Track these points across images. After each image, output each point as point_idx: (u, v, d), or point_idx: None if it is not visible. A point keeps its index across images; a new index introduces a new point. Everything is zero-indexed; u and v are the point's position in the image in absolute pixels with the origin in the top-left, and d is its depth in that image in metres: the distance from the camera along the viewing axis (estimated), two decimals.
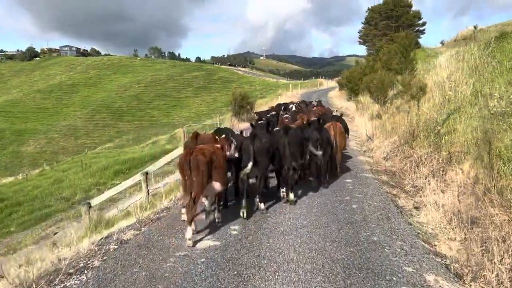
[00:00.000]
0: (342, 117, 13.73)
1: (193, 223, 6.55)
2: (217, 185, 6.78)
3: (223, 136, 8.36)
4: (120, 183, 14.02)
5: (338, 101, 42.18)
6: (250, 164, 7.30)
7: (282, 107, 24.01)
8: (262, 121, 12.63)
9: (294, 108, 23.35)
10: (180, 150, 12.00)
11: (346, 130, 12.48)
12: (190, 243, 6.18)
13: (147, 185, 11.34)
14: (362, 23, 54.57)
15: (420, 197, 8.24)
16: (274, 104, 31.15)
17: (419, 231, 6.21)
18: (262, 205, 7.87)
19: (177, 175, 13.05)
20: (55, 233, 14.27)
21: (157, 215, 8.07)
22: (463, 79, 14.75)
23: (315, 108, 20.86)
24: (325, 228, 6.58)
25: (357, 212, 7.31)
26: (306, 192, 9.13)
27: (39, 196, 20.47)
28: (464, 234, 5.76)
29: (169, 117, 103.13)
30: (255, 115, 27.00)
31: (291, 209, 7.86)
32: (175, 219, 7.67)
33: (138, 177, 11.49)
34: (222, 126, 26.49)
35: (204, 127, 36.42)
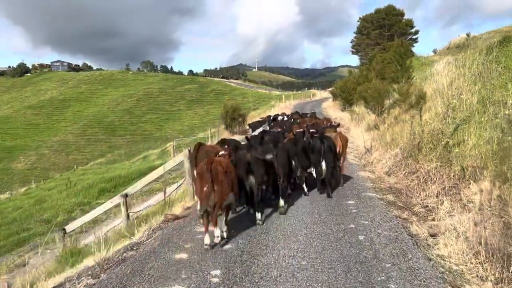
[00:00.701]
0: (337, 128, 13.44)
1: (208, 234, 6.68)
2: (231, 196, 7.06)
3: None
4: (104, 202, 12.95)
5: (332, 111, 41.32)
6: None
7: (271, 118, 23.00)
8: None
9: (285, 118, 22.42)
10: (169, 165, 11.00)
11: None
12: (208, 248, 6.58)
13: (126, 208, 10.26)
14: (354, 32, 54.13)
15: (433, 219, 7.20)
16: (267, 115, 30.30)
17: (442, 269, 5.08)
18: (259, 215, 7.90)
19: (161, 196, 11.96)
20: (27, 263, 13.09)
21: (125, 254, 6.73)
22: (466, 86, 13.80)
23: (306, 119, 20.14)
24: (329, 271, 5.33)
25: (365, 246, 6.17)
26: (303, 218, 8.05)
27: (18, 219, 19.24)
28: (498, 273, 4.70)
29: (162, 131, 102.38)
30: (247, 127, 26.00)
31: (286, 243, 6.69)
32: (145, 260, 6.36)
33: (117, 199, 10.40)
34: (214, 139, 25.41)
35: (195, 140, 35.43)
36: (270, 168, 8.21)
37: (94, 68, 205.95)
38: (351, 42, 54.60)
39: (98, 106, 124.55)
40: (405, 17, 51.57)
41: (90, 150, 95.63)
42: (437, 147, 10.55)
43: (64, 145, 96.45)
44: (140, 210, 10.97)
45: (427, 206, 8.02)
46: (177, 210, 9.23)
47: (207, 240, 6.60)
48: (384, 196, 9.01)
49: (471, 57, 18.05)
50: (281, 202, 8.48)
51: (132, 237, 7.40)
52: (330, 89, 60.66)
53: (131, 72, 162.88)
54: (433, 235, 6.27)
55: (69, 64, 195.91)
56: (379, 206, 8.31)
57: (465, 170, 8.26)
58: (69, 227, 10.77)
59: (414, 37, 50.86)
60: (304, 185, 10.11)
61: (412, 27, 49.94)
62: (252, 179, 7.74)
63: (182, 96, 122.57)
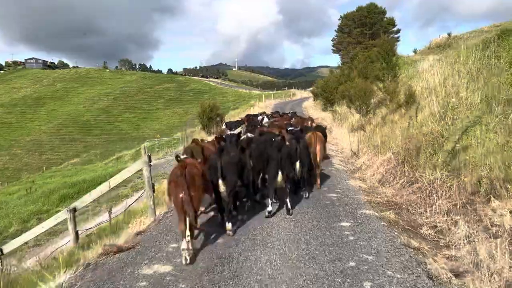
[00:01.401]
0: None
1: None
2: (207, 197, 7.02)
3: None
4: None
5: (313, 111, 40.01)
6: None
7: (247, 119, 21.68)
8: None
9: (265, 118, 21.32)
10: (120, 177, 9.29)
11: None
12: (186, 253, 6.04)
13: (75, 225, 8.56)
14: (335, 31, 52.90)
15: (448, 246, 5.75)
16: (246, 115, 28.81)
17: None
18: (229, 225, 7.13)
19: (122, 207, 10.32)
20: None
21: None
22: (465, 83, 12.47)
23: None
24: None
25: None
26: (286, 250, 6.17)
27: None
28: None
29: (139, 130, 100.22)
30: (224, 126, 24.42)
31: None
32: None
33: (63, 215, 8.68)
34: (189, 140, 23.90)
35: (170, 142, 33.70)
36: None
37: (70, 66, 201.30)
38: (332, 40, 53.49)
39: (73, 104, 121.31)
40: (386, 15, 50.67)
41: (65, 150, 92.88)
42: (438, 153, 9.14)
43: (38, 144, 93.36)
44: (91, 228, 9.25)
45: (436, 226, 6.56)
46: (124, 236, 7.28)
47: (184, 245, 6.01)
48: (383, 213, 7.43)
49: (464, 53, 16.79)
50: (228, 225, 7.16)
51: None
52: (311, 88, 59.53)
53: (108, 70, 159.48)
54: (457, 274, 4.75)
55: (44, 62, 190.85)
56: (380, 229, 6.66)
57: (480, 183, 6.82)
58: (7, 247, 9.02)
59: (396, 36, 49.83)
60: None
61: (394, 25, 48.92)
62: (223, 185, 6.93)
63: (160, 95, 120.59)
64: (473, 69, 13.89)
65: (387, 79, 20.67)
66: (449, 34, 53.68)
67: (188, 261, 5.90)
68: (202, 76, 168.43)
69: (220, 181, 6.85)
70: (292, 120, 18.06)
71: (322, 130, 12.00)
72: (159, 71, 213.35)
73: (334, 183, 10.82)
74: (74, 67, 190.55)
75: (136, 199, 10.23)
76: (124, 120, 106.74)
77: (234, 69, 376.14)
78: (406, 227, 6.63)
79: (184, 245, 5.95)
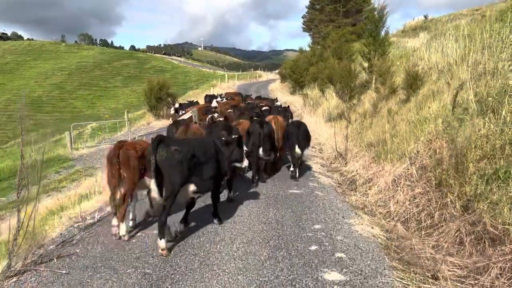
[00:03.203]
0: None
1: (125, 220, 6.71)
2: (150, 181, 6.46)
3: None
4: None
5: (280, 94, 36.14)
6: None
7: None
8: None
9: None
10: None
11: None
12: (126, 237, 6.63)
13: None
14: (306, 7, 48.66)
15: None
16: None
17: None
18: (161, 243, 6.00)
19: None
20: None
21: None
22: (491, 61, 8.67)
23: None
24: None
25: None
26: None
27: None
28: None
29: (94, 109, 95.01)
30: (173, 111, 20.14)
31: None
32: None
33: None
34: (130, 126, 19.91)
35: (103, 127, 28.98)
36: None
37: (25, 38, 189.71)
38: (302, 17, 49.26)
39: (24, 79, 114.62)
40: None
41: (12, 128, 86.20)
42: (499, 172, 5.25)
43: None
44: None
45: None
46: None
47: (122, 230, 6.63)
48: None
49: (479, 25, 13.02)
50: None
51: None
52: (277, 71, 55.91)
53: (64, 44, 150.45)
54: None
55: None
56: None
57: None
58: None
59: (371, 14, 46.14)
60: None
61: (369, 3, 45.05)
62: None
63: (118, 72, 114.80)
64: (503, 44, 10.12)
65: (374, 57, 16.81)
66: (425, 17, 51.71)
67: (117, 237, 6.61)
68: (164, 54, 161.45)
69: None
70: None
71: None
72: (121, 48, 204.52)
73: (322, 221, 7.08)
74: (28, 39, 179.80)
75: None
76: (79, 97, 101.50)
77: (199, 48, 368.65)
78: None
79: (114, 221, 6.66)
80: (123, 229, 6.57)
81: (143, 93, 24.36)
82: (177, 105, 20.45)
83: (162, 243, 5.92)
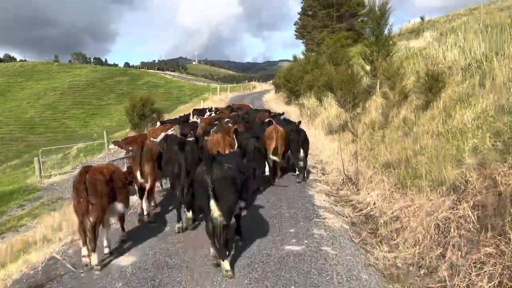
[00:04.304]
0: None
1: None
2: (120, 206, 6.78)
3: None
4: None
5: (275, 105, 34.25)
6: None
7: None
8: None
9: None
10: None
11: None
12: (99, 267, 6.34)
13: None
14: (298, 13, 46.85)
15: None
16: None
17: None
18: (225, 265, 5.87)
19: None
20: None
21: None
22: None
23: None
24: None
25: None
26: None
27: None
28: None
29: (87, 127, 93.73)
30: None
31: None
32: None
33: None
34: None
35: (89, 148, 27.00)
36: None
37: (18, 60, 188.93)
38: (294, 24, 47.45)
39: (16, 100, 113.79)
40: None
41: (4, 151, 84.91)
42: None
43: None
44: None
45: None
46: None
47: (94, 260, 6.38)
48: None
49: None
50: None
51: None
52: (272, 81, 54.32)
53: (56, 64, 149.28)
54: None
55: None
56: None
57: None
58: None
59: (366, 18, 44.38)
60: None
61: (364, 7, 43.15)
62: None
63: (111, 89, 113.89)
64: None
65: (377, 59, 14.84)
66: (422, 19, 50.34)
67: (89, 267, 6.33)
68: (158, 69, 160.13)
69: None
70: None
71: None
72: (115, 65, 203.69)
73: None
74: (21, 60, 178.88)
75: None
76: (72, 117, 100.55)
77: (194, 62, 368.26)
78: None
79: (84, 251, 6.33)
80: (94, 259, 6.30)
81: (125, 111, 22.38)
82: (158, 124, 18.48)
83: (226, 264, 5.84)
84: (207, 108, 21.56)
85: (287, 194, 9.59)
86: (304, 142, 10.59)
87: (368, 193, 7.30)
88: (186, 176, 7.49)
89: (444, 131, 6.94)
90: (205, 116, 18.48)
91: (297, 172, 10.97)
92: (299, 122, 12.68)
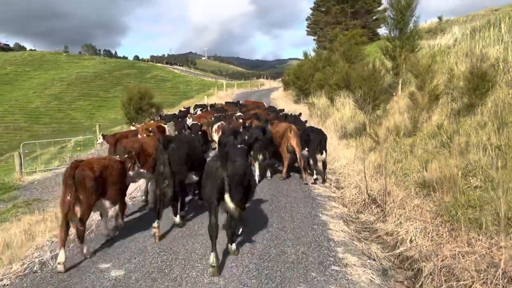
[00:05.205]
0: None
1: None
2: (107, 203, 6.65)
3: None
4: None
5: (283, 103, 32.59)
6: None
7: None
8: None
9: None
10: None
11: None
12: (61, 268, 5.87)
13: None
14: (310, 8, 44.86)
15: None
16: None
17: None
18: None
19: None
20: None
21: None
22: None
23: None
24: None
25: None
26: None
27: None
28: None
29: (93, 119, 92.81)
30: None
31: None
32: None
33: None
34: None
35: (87, 141, 25.48)
36: None
37: (28, 49, 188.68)
38: (306, 20, 45.54)
39: (23, 90, 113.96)
40: None
41: (8, 140, 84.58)
42: None
43: None
44: None
45: None
46: None
47: (61, 257, 5.88)
48: None
49: None
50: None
51: None
52: (281, 78, 52.85)
53: (65, 54, 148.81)
54: None
55: None
56: None
57: None
58: None
59: (382, 16, 42.34)
60: None
61: (380, 3, 41.18)
62: None
63: (119, 82, 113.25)
64: None
65: (400, 55, 13.08)
66: (440, 18, 49.24)
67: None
68: (166, 63, 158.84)
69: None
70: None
71: None
72: (125, 58, 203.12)
73: None
74: (30, 50, 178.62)
75: None
76: (78, 108, 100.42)
77: (203, 58, 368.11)
78: None
79: (61, 257, 5.87)
80: (61, 257, 5.89)
81: (121, 104, 20.81)
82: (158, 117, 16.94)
83: (234, 246, 6.27)
84: (210, 104, 20.14)
85: (293, 220, 7.59)
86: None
87: (400, 222, 5.48)
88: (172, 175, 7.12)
89: (502, 144, 5.24)
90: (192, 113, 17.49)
91: (314, 176, 10.53)
92: (300, 114, 12.34)
